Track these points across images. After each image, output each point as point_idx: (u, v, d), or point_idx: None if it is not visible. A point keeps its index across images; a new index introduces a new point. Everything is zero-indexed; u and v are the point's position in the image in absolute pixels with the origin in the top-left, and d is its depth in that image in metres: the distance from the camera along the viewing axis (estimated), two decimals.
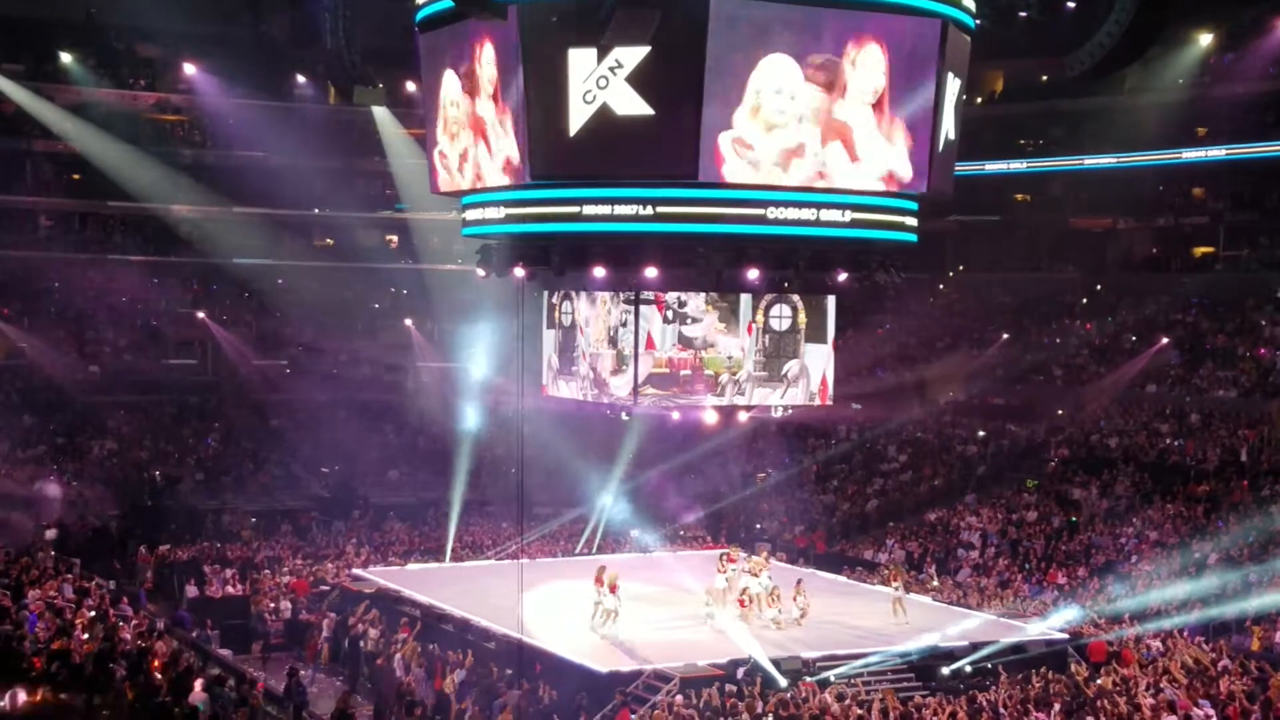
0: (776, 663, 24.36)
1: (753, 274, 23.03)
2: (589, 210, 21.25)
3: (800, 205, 21.45)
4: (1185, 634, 27.50)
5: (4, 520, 34.39)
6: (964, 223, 49.47)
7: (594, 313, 25.73)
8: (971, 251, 51.88)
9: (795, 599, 28.48)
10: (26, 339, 45.23)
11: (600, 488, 40.13)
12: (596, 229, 21.45)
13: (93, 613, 23.94)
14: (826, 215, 21.58)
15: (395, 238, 54.96)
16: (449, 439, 44.18)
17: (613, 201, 21.11)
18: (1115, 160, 47.11)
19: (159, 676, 20.82)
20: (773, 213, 21.32)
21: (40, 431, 41.35)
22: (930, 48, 20.86)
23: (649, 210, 21.05)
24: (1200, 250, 48.96)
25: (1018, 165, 50.03)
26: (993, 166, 49.07)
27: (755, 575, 28.68)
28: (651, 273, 22.88)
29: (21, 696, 16.60)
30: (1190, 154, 45.97)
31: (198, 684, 20.10)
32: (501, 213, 22.33)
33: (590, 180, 21.34)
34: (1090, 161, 47.91)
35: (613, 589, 27.44)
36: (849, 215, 21.88)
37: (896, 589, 29.24)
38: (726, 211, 21.35)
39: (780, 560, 35.10)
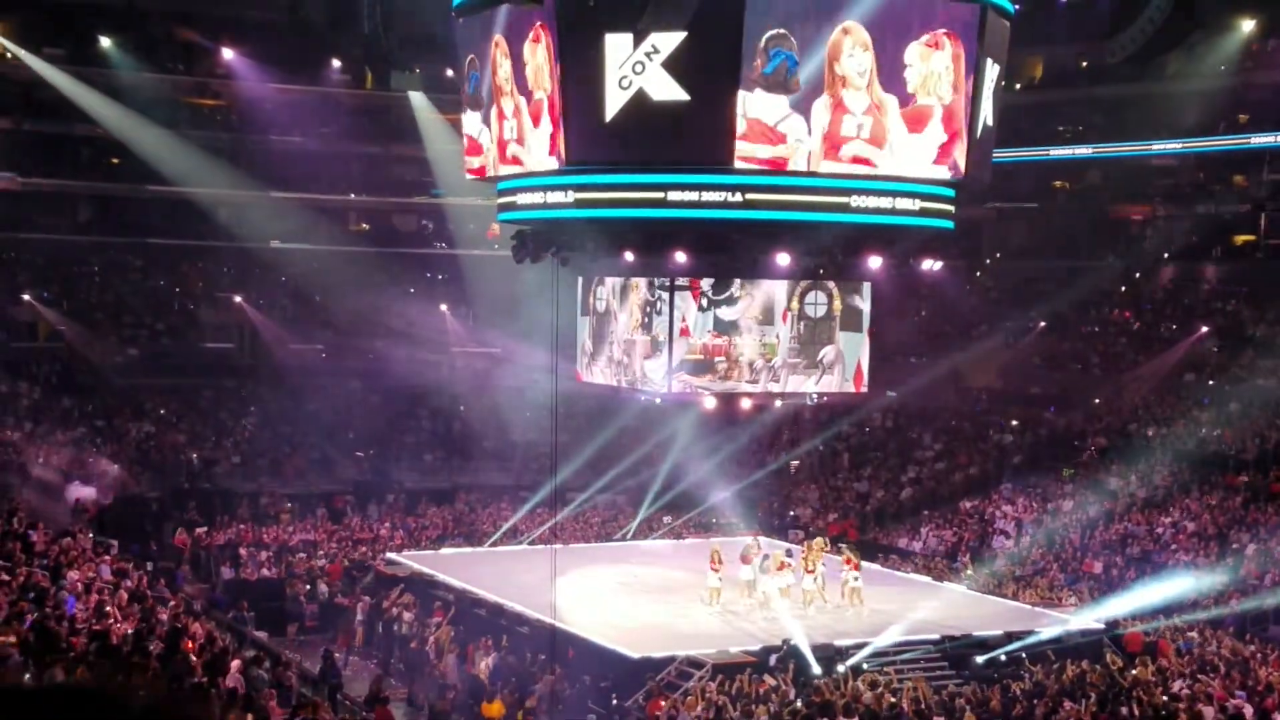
0: (808, 650, 24.30)
1: (785, 260, 22.98)
2: (674, 196, 21.13)
3: (880, 194, 21.51)
4: (1224, 625, 27.33)
5: (45, 499, 34.71)
6: (1002, 210, 49.16)
7: (629, 299, 25.72)
8: (1009, 239, 51.57)
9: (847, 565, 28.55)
10: (66, 322, 45.59)
11: (635, 474, 40.17)
12: (682, 215, 21.39)
13: (130, 594, 24.10)
14: (901, 204, 21.69)
15: (431, 223, 55.10)
16: (483, 424, 44.40)
17: (700, 188, 21.00)
18: (1155, 147, 46.69)
19: (195, 657, 20.95)
20: (856, 201, 21.38)
21: (79, 414, 41.68)
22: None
23: (738, 198, 20.97)
24: (1241, 238, 48.46)
25: (1057, 152, 49.64)
26: (1031, 153, 48.72)
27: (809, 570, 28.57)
28: (682, 259, 22.81)
29: (60, 677, 16.72)
30: (1233, 141, 45.49)
31: (234, 665, 20.23)
32: (570, 197, 22.03)
33: (627, 166, 21.31)
34: (1130, 148, 47.50)
35: (714, 565, 27.85)
36: (919, 204, 21.93)
37: (855, 579, 28.52)
38: (814, 199, 21.36)
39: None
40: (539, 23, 20.83)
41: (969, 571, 33.60)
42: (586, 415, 41.48)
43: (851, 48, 20.18)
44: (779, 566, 28.32)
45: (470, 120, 24.22)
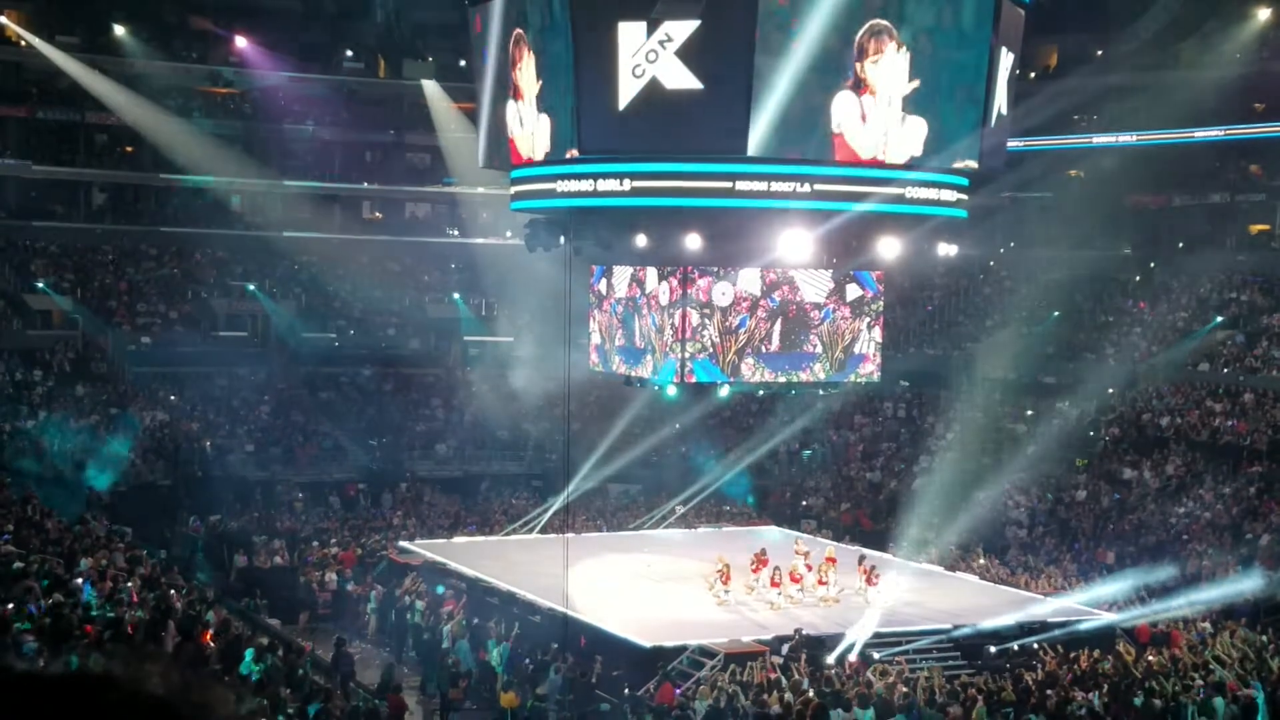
0: (821, 640, 24.31)
1: (804, 249, 22.93)
2: (742, 186, 21.06)
3: (928, 185, 21.52)
4: (1237, 615, 27.25)
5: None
6: (1016, 199, 48.98)
7: (641, 290, 25.68)
8: (1023, 228, 51.36)
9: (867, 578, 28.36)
10: (79, 310, 45.69)
11: (647, 464, 40.21)
12: (752, 205, 21.37)
13: (144, 581, 24.17)
14: (945, 195, 21.77)
15: (444, 212, 55.11)
16: (496, 413, 44.48)
17: (769, 179, 20.94)
18: (1171, 136, 46.45)
19: (209, 645, 21.02)
20: (911, 192, 21.42)
21: (93, 402, 41.77)
22: None
23: (806, 188, 20.95)
24: (1256, 227, 48.25)
25: (1071, 140, 49.42)
26: (1046, 142, 48.50)
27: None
28: (696, 247, 22.72)
29: (74, 664, 16.81)
30: (1248, 130, 45.30)
31: (248, 652, 20.29)
32: (628, 185, 21.76)
33: (640, 155, 21.25)
34: (1145, 137, 47.26)
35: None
36: (956, 196, 21.94)
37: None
38: (876, 190, 21.38)
39: (825, 537, 35.09)
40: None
41: (981, 561, 33.55)
42: (599, 404, 41.50)
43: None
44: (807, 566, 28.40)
45: (500, 110, 23.85)
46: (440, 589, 29.21)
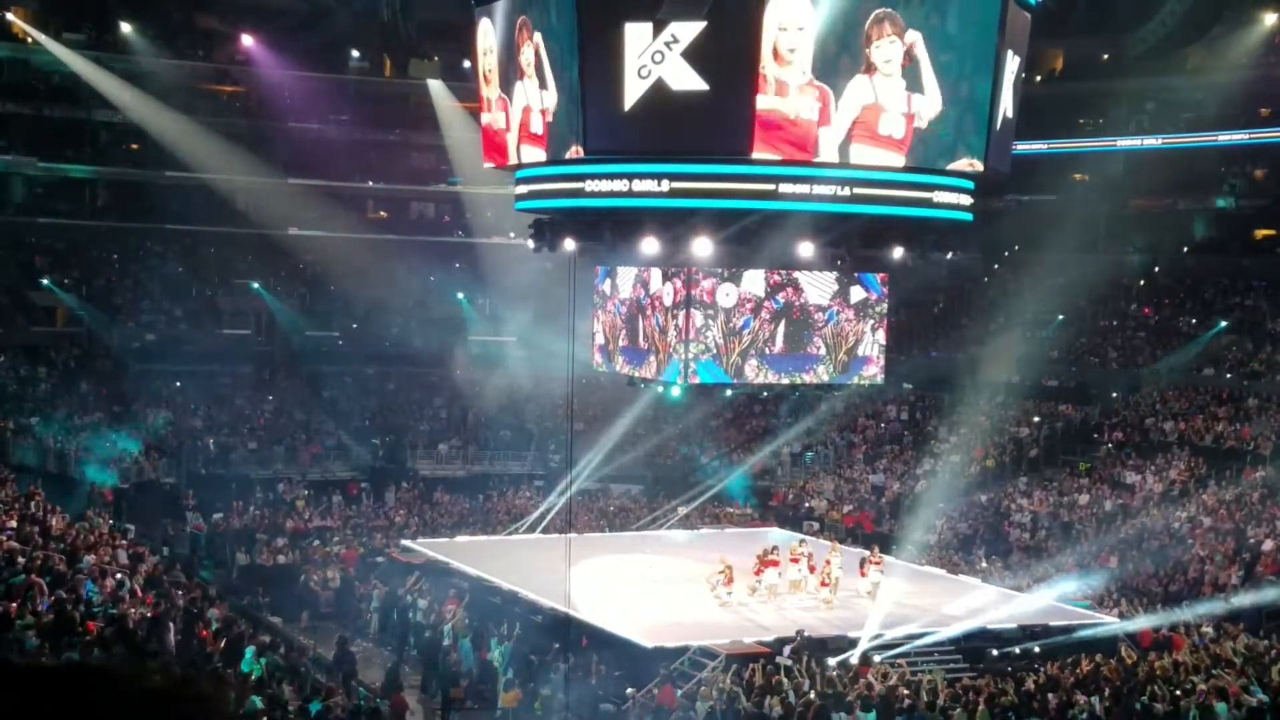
0: (823, 642, 24.31)
1: (808, 251, 22.90)
2: (785, 189, 20.96)
3: (949, 189, 21.46)
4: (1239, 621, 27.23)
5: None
6: (1021, 202, 48.97)
7: (643, 290, 25.68)
8: (1028, 231, 51.36)
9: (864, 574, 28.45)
10: (84, 307, 45.72)
11: (650, 463, 40.22)
12: (794, 208, 21.32)
13: (146, 578, 24.18)
14: (963, 199, 21.75)
15: (448, 211, 55.14)
16: (499, 412, 44.50)
17: (811, 180, 20.87)
18: (1176, 140, 46.44)
19: (211, 642, 21.04)
20: (937, 196, 21.35)
21: (96, 399, 41.81)
22: None
23: (846, 191, 20.89)
24: (1261, 233, 48.22)
25: (1077, 145, 49.40)
26: (1051, 145, 48.50)
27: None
28: (703, 250, 22.66)
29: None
30: (1254, 135, 45.28)
31: (249, 650, 20.30)
32: (666, 186, 21.55)
33: (645, 156, 21.19)
34: (1151, 141, 47.25)
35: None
36: (967, 199, 21.89)
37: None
38: (890, 194, 21.32)
39: (828, 539, 35.05)
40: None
41: (984, 564, 33.55)
42: (602, 404, 41.51)
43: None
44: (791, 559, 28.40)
45: (505, 109, 23.77)
46: (413, 572, 29.32)
